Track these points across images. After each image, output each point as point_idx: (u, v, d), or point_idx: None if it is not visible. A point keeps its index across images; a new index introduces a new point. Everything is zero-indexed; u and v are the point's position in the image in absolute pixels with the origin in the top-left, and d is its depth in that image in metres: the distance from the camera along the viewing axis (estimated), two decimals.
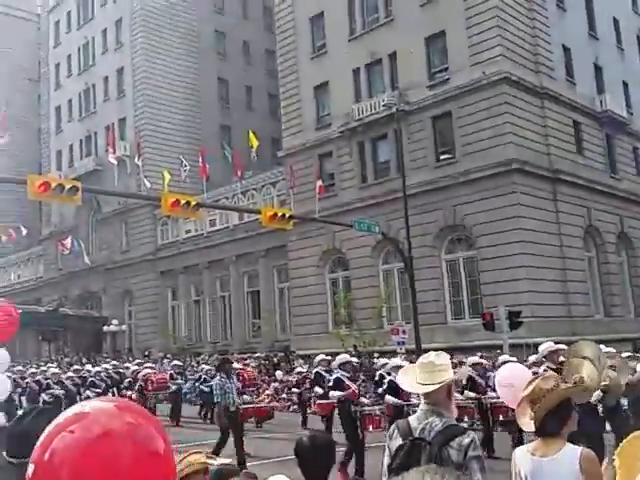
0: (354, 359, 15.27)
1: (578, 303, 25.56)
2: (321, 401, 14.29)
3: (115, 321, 39.99)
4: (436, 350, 3.94)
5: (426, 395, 3.56)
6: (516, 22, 25.91)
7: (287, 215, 19.86)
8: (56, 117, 49.24)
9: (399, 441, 3.50)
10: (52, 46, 50.18)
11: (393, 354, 22.64)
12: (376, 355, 23.11)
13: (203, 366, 22.95)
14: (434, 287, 25.70)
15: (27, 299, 46.80)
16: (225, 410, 11.75)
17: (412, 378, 3.67)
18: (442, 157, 26.60)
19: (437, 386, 3.49)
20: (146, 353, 33.03)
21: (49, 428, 1.30)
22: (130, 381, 19.85)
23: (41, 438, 1.29)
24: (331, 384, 11.84)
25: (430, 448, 3.36)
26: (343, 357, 12.60)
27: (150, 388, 18.49)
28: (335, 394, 11.49)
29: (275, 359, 27.75)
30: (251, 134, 31.56)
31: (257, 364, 25.35)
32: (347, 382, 11.55)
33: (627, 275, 29.99)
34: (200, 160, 32.96)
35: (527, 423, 3.54)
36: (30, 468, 1.27)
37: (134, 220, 40.98)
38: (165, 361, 27.53)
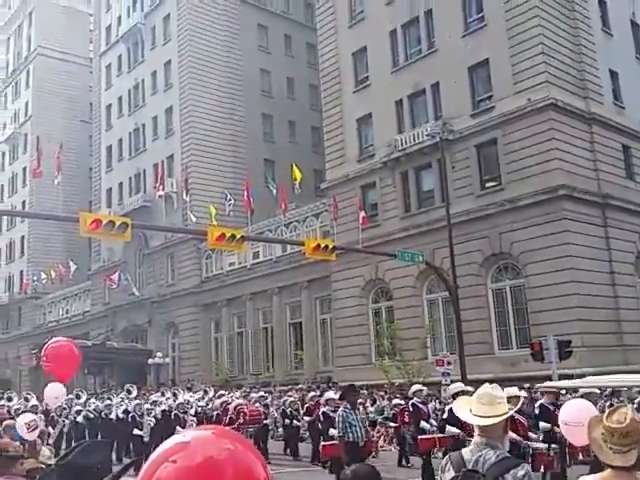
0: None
1: (630, 331, 24.53)
2: (423, 436, 12.88)
3: (159, 354, 40.25)
4: (483, 382, 3.80)
5: (482, 428, 3.44)
6: (561, 48, 25.73)
7: (330, 246, 19.84)
8: (107, 156, 50.83)
9: (452, 473, 3.43)
10: (104, 88, 52.16)
11: (438, 386, 22.12)
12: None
13: (287, 398, 21.25)
14: (480, 317, 25.08)
15: (75, 334, 47.57)
16: (351, 446, 10.35)
17: (466, 408, 3.57)
18: (487, 185, 26.28)
19: (499, 419, 3.39)
20: (189, 385, 33.00)
21: (152, 458, 1.33)
22: (219, 414, 18.34)
23: (144, 468, 1.33)
24: (445, 416, 10.86)
25: None
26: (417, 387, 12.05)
27: (242, 421, 16.84)
28: (452, 430, 10.52)
29: (318, 391, 27.32)
30: (295, 167, 32.02)
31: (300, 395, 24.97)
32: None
33: None
34: (245, 194, 33.60)
35: (607, 456, 3.01)
36: None
37: (180, 254, 41.58)
38: (253, 393, 25.08)
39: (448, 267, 22.54)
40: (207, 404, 18.91)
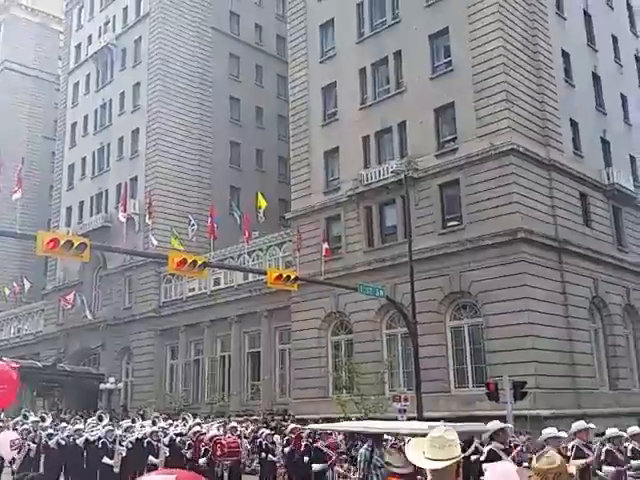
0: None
1: (583, 375, 25.05)
2: None
3: (112, 379, 39.31)
4: (438, 420, 3.87)
5: (434, 471, 3.45)
6: (524, 95, 26.59)
7: (292, 276, 19.86)
8: (69, 174, 50.11)
9: None
10: (70, 106, 51.62)
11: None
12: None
13: (263, 430, 19.64)
14: (438, 354, 25.31)
15: (26, 354, 46.39)
16: None
17: (420, 452, 3.56)
18: (449, 224, 26.74)
19: (449, 462, 3.39)
20: (141, 412, 32.27)
21: None
22: (191, 444, 16.97)
23: None
24: (483, 458, 9.30)
25: None
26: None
27: (219, 453, 15.46)
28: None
29: (272, 423, 27.05)
30: (260, 196, 32.06)
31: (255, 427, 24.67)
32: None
33: (633, 348, 29.54)
34: (209, 219, 33.45)
35: None
36: None
37: (138, 277, 40.98)
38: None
39: (408, 303, 22.75)
40: (183, 433, 17.96)
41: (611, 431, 11.65)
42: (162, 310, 39.68)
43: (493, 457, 8.65)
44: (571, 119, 28.90)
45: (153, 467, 15.78)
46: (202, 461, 15.41)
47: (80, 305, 42.61)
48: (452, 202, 26.83)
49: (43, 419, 19.33)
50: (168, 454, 16.77)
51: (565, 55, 29.79)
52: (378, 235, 29.12)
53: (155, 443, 16.65)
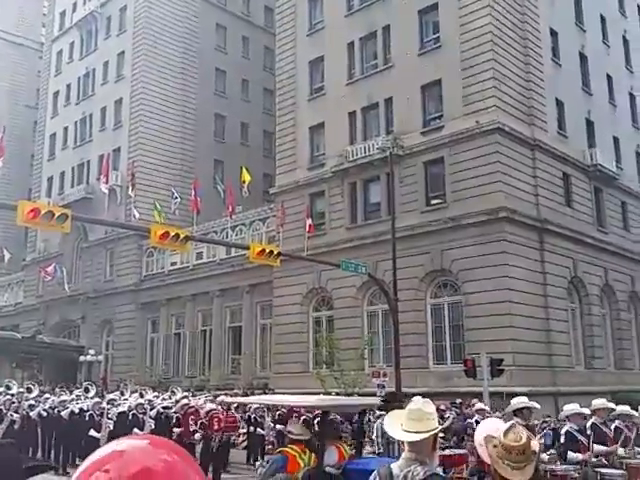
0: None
1: (560, 354, 25.39)
2: None
3: (92, 351, 39.24)
4: (416, 395, 3.84)
5: (411, 443, 3.46)
6: (511, 74, 26.49)
7: (275, 252, 19.79)
8: (50, 144, 49.39)
9: None
10: (53, 74, 50.71)
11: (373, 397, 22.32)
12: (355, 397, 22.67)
13: (252, 403, 18.50)
14: (418, 331, 25.49)
15: (5, 325, 46.06)
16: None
17: (397, 424, 3.55)
18: (433, 202, 26.77)
19: (426, 435, 3.40)
20: (121, 386, 32.25)
21: (83, 467, 1.27)
22: (179, 417, 16.10)
23: (75, 476, 1.26)
24: (563, 440, 8.86)
25: None
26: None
27: (216, 428, 15.08)
28: (574, 456, 8.65)
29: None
30: (244, 170, 31.76)
31: None
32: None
33: (609, 328, 29.96)
34: (192, 193, 33.14)
35: (506, 471, 3.17)
36: None
37: (120, 250, 40.69)
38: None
39: (390, 280, 22.80)
40: (169, 406, 17.22)
41: (621, 408, 11.25)
42: (143, 283, 39.50)
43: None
44: (557, 99, 28.89)
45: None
46: (197, 436, 14.94)
47: (60, 277, 42.24)
48: (436, 180, 26.82)
49: (30, 390, 19.12)
50: (154, 427, 16.62)
51: (553, 34, 29.68)
52: (362, 212, 29.08)
53: (141, 416, 16.22)
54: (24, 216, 14.09)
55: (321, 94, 31.64)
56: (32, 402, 17.29)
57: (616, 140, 33.03)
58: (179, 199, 35.31)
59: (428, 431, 3.40)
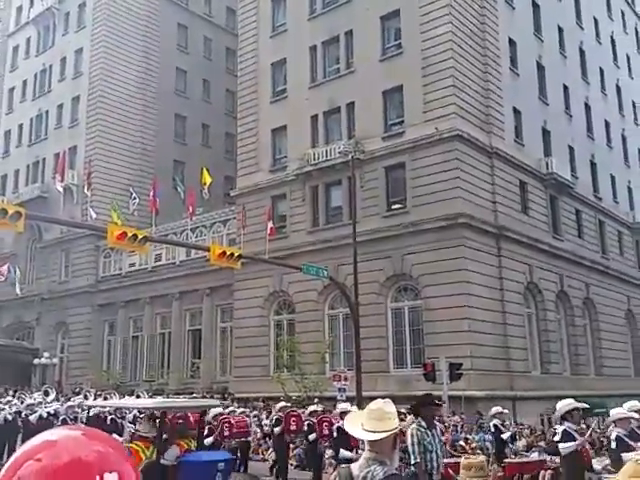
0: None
1: (516, 358, 25.90)
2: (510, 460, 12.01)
3: (46, 354, 38.30)
4: (376, 399, 3.88)
5: (371, 443, 3.48)
6: (470, 82, 26.94)
7: (236, 254, 19.71)
8: (5, 141, 48.12)
9: None
10: (8, 70, 49.40)
11: (333, 401, 22.39)
12: (316, 400, 22.72)
13: (281, 403, 17.69)
14: (378, 335, 25.68)
15: None
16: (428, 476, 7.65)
17: (358, 424, 3.58)
18: (393, 206, 27.01)
19: (386, 434, 3.42)
20: (77, 389, 31.59)
21: (16, 455, 1.25)
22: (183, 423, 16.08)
23: (6, 465, 1.24)
24: (557, 438, 8.91)
25: None
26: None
27: (227, 433, 14.01)
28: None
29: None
30: (205, 171, 31.48)
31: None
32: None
33: (565, 333, 30.71)
34: (151, 193, 32.68)
35: None
36: None
37: (76, 250, 39.89)
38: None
39: (351, 284, 22.90)
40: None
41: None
42: (100, 285, 38.81)
43: (566, 437, 8.54)
44: (514, 107, 29.49)
45: None
46: (208, 441, 14.09)
47: (13, 277, 41.12)
48: (397, 185, 27.07)
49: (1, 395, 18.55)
50: (133, 432, 16.12)
51: (512, 44, 30.28)
52: (323, 215, 29.16)
53: (119, 421, 15.88)
54: None
55: (283, 97, 31.60)
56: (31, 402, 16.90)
57: (571, 149, 33.88)
58: (137, 199, 34.75)
59: (388, 430, 3.42)
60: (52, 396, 18.05)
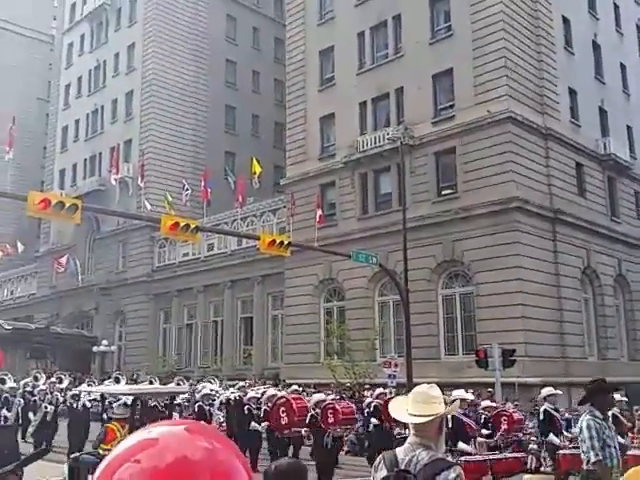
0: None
1: (572, 344, 25.26)
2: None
3: (105, 342, 39.51)
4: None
5: (416, 427, 3.43)
6: (523, 63, 26.25)
7: (285, 242, 19.79)
8: (62, 136, 49.60)
9: (384, 472, 3.41)
10: (64, 67, 50.84)
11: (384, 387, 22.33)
12: (367, 387, 22.71)
13: (368, 397, 16.55)
14: (429, 321, 25.43)
15: (19, 316, 46.46)
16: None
17: (403, 408, 3.53)
18: (444, 192, 26.64)
19: (430, 418, 3.37)
20: (134, 376, 32.46)
21: (111, 456, 1.10)
22: (266, 409, 14.49)
23: (101, 468, 1.09)
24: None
25: None
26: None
27: (332, 421, 12.78)
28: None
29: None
30: (254, 161, 31.76)
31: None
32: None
33: (623, 318, 29.75)
34: (202, 184, 33.21)
35: None
36: None
37: (132, 241, 40.88)
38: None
39: (401, 271, 22.75)
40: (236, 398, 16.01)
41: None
42: (155, 274, 39.68)
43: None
44: (569, 87, 28.60)
45: None
46: (262, 426, 13.78)
47: (74, 268, 42.54)
48: (447, 170, 26.68)
49: (60, 380, 18.97)
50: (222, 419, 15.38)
51: (566, 22, 29.35)
52: (372, 202, 29.00)
53: (207, 407, 15.29)
54: (35, 206, 14.20)
55: (331, 84, 31.51)
56: (76, 392, 16.79)
57: (629, 129, 32.67)
58: (190, 191, 35.40)
59: (433, 414, 3.37)
60: (123, 383, 18.35)
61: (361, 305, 28.03)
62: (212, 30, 44.37)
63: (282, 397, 14.22)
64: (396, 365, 22.72)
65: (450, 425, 11.21)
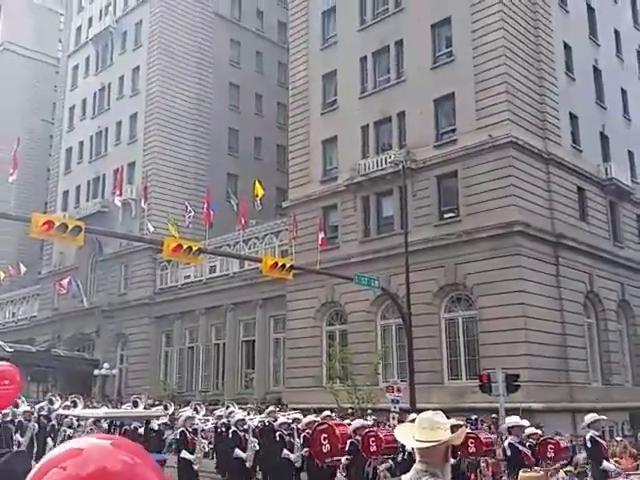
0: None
1: (576, 369, 25.09)
2: None
3: (106, 364, 39.37)
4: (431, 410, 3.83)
5: (422, 453, 3.42)
6: (524, 88, 26.44)
7: (288, 265, 19.82)
8: (66, 158, 49.89)
9: None
10: (68, 89, 51.33)
11: (386, 413, 22.16)
12: (369, 412, 22.53)
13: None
14: (432, 345, 25.30)
15: (20, 338, 46.33)
16: None
17: (409, 434, 3.54)
18: (446, 216, 26.68)
19: (434, 443, 3.37)
20: (135, 399, 32.24)
21: (41, 463, 1.25)
22: (306, 436, 13.78)
23: (32, 473, 1.24)
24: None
25: None
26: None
27: (374, 449, 11.75)
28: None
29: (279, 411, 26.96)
30: (257, 183, 31.91)
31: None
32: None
33: (626, 343, 29.60)
34: (205, 206, 33.31)
35: None
36: None
37: (134, 263, 40.90)
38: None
39: (403, 294, 22.71)
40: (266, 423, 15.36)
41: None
42: (157, 297, 39.63)
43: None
44: (570, 113, 28.77)
45: (239, 461, 14.36)
46: (343, 459, 12.66)
47: (75, 290, 42.50)
48: (449, 194, 26.75)
49: (75, 404, 18.88)
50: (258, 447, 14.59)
51: (567, 48, 29.62)
52: (375, 225, 29.05)
53: (242, 434, 14.63)
54: (38, 228, 14.27)
55: (334, 108, 31.74)
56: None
57: (631, 154, 32.80)
58: (192, 213, 35.50)
59: (438, 440, 3.37)
60: (141, 406, 18.16)
61: (363, 328, 27.93)
62: (216, 54, 44.85)
63: (323, 423, 13.51)
64: (399, 390, 22.53)
65: (508, 453, 11.39)
